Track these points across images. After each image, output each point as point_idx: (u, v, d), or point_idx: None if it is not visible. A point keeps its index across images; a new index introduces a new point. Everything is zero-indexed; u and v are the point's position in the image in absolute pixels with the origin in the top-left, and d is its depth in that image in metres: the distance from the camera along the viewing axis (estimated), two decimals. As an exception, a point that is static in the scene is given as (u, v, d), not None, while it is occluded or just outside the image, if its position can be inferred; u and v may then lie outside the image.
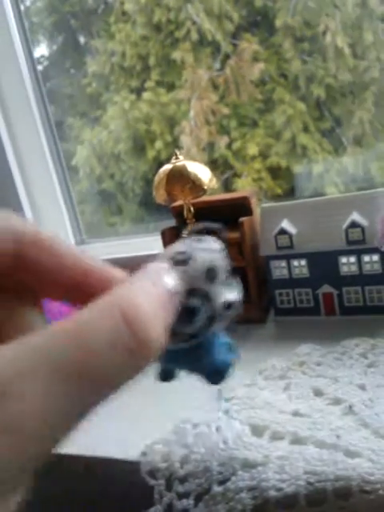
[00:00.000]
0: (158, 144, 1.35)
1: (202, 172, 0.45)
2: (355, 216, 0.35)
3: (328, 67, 1.29)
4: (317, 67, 1.29)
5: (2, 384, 0.12)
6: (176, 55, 1.33)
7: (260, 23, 1.34)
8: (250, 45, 1.30)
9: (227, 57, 1.31)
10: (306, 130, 1.34)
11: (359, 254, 0.36)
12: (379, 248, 0.33)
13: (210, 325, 0.23)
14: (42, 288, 0.18)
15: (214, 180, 0.48)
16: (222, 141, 1.35)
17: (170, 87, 1.35)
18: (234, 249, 0.40)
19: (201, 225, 0.24)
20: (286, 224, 0.38)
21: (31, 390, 0.12)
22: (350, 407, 0.28)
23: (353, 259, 0.36)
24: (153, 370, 0.25)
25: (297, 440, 0.26)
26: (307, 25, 1.27)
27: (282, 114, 1.33)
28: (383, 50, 1.23)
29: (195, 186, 0.44)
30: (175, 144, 1.34)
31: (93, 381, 0.13)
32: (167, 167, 0.47)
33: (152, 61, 1.35)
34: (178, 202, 0.48)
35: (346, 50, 1.24)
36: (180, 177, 0.44)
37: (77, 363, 0.13)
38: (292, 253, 0.39)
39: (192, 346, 0.24)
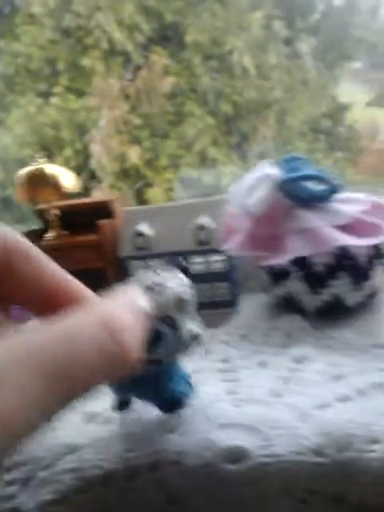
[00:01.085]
0: (68, 151, 1.31)
1: (64, 175, 0.45)
2: (203, 219, 0.37)
3: (235, 85, 1.34)
4: (224, 84, 1.34)
5: None
6: (86, 62, 1.30)
7: (171, 38, 1.36)
8: (160, 58, 1.31)
9: (138, 68, 1.31)
10: (215, 143, 1.37)
11: (207, 253, 0.38)
12: (221, 249, 0.34)
13: (175, 353, 0.24)
14: (15, 295, 0.18)
15: (77, 183, 0.48)
16: (134, 150, 1.34)
17: (80, 94, 1.32)
18: (94, 251, 0.40)
19: (167, 259, 0.25)
20: (143, 226, 0.39)
21: (18, 382, 0.12)
22: None
23: (202, 259, 0.38)
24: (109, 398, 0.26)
25: (124, 424, 0.27)
26: (215, 43, 1.32)
27: (193, 126, 1.35)
28: (285, 72, 1.30)
29: (56, 189, 0.43)
30: (85, 152, 1.31)
31: (74, 381, 0.14)
32: (27, 169, 0.45)
33: (61, 65, 1.31)
34: (42, 205, 0.46)
35: (252, 70, 1.30)
36: (40, 179, 0.43)
37: (64, 363, 0.13)
38: (149, 253, 0.39)
39: (153, 375, 0.24)
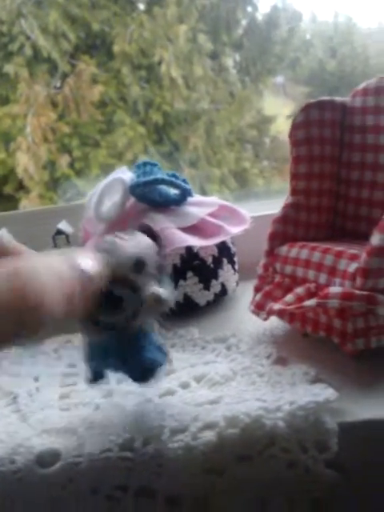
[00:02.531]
0: (-8, 159, 1.26)
1: None
2: (62, 224, 0.38)
3: (164, 95, 1.36)
4: (154, 94, 1.35)
5: None
6: (9, 68, 1.27)
7: (99, 47, 1.36)
8: (87, 67, 1.30)
9: (66, 75, 1.29)
10: (146, 152, 1.37)
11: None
12: None
13: (136, 316, 0.22)
14: None
15: None
16: (63, 159, 1.31)
17: (4, 101, 1.28)
18: None
19: (135, 225, 0.24)
20: (1, 233, 0.39)
21: None
22: (15, 398, 0.29)
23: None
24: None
25: None
26: (143, 53, 1.33)
27: (123, 135, 1.34)
28: (211, 84, 1.34)
29: None
30: (11, 161, 1.27)
31: None
32: None
33: (-18, 72, 1.26)
34: None
35: (180, 81, 1.32)
36: None
37: None
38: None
39: (121, 342, 0.23)
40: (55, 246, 0.38)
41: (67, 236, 0.38)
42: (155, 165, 0.36)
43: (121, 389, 0.29)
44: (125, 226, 0.35)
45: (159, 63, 1.36)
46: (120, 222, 0.35)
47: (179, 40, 1.37)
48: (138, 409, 0.26)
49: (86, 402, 0.28)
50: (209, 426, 0.24)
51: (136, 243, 0.23)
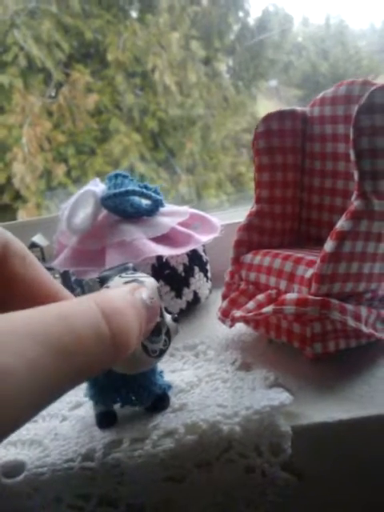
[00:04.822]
0: (-12, 170, 1.28)
1: None
2: (37, 237, 0.38)
3: (159, 102, 1.37)
4: (149, 101, 1.36)
5: None
6: (3, 79, 1.29)
7: (93, 55, 1.37)
8: (82, 75, 1.32)
9: (60, 85, 1.31)
10: (142, 159, 1.38)
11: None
12: (52, 266, 0.35)
13: (170, 339, 0.24)
14: (11, 297, 0.18)
15: None
16: (60, 168, 1.32)
17: (-1, 111, 1.29)
18: None
19: (119, 265, 0.25)
20: None
21: (17, 347, 0.12)
22: None
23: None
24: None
25: None
26: (137, 61, 1.34)
27: (119, 143, 1.35)
28: (205, 90, 1.35)
29: None
30: (8, 171, 1.29)
31: (74, 358, 0.13)
32: None
33: (-23, 83, 1.29)
34: None
35: (173, 88, 1.33)
36: None
37: (61, 337, 0.13)
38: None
39: (140, 373, 0.24)
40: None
41: (42, 249, 0.38)
42: (126, 176, 0.37)
43: (89, 401, 0.29)
44: (96, 238, 0.36)
45: (153, 70, 1.37)
46: (92, 234, 0.35)
47: (172, 47, 1.38)
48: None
49: (54, 413, 0.29)
50: (169, 434, 0.25)
51: (144, 275, 0.23)
